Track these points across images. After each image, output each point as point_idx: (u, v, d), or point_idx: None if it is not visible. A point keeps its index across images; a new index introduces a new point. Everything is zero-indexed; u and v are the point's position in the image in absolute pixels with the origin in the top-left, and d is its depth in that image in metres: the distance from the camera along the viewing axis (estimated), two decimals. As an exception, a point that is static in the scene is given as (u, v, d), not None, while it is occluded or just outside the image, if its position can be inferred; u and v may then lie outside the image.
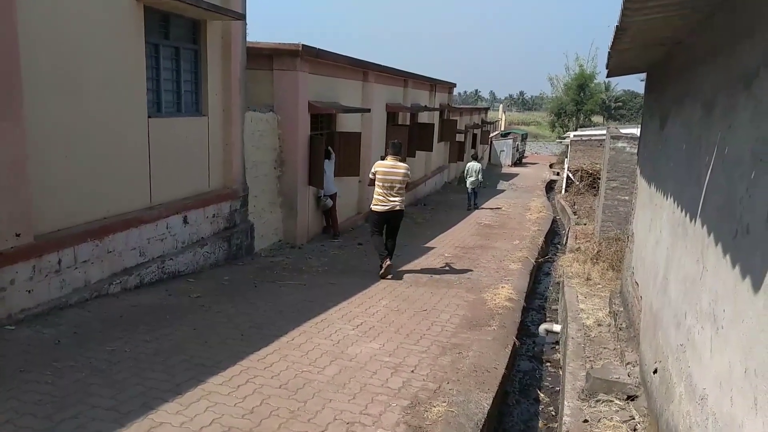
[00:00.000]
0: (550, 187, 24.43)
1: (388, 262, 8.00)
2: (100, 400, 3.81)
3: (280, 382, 4.35)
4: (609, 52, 4.70)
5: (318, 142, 10.28)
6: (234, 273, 7.83)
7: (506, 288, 7.66)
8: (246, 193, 8.91)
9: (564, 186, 20.67)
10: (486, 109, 35.53)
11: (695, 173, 3.50)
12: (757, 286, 2.19)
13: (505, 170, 30.64)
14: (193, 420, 3.68)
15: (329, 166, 10.82)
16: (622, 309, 6.36)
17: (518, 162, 34.81)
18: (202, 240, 7.84)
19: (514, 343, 5.90)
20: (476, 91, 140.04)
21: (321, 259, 9.26)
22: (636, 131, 11.29)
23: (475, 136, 28.63)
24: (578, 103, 42.62)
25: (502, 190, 21.89)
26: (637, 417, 4.25)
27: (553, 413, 5.34)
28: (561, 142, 32.88)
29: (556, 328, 7.27)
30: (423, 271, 8.58)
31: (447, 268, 8.92)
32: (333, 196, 11.12)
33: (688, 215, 3.60)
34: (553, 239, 14.04)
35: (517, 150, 34.99)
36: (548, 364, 6.63)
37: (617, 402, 4.51)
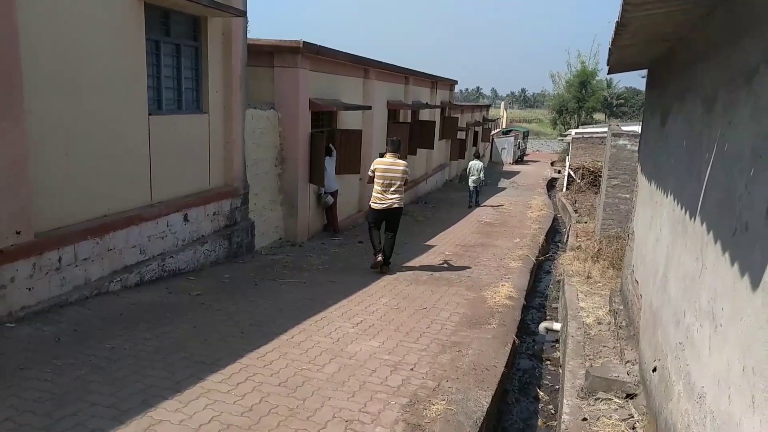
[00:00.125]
0: (551, 185, 24.40)
1: (380, 258, 8.11)
2: (100, 397, 3.82)
3: (279, 379, 4.36)
4: (610, 49, 4.68)
5: (319, 140, 10.27)
6: (234, 271, 7.84)
7: (506, 286, 7.65)
8: (247, 190, 8.91)
9: (565, 184, 20.65)
10: (487, 107, 35.49)
11: (695, 170, 3.49)
12: (755, 284, 2.19)
13: (506, 168, 30.61)
14: (192, 418, 3.68)
15: (330, 163, 10.82)
16: (622, 307, 6.35)
17: (519, 160, 34.77)
18: (202, 238, 7.84)
19: (514, 341, 5.90)
20: (478, 88, 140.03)
21: (321, 257, 9.26)
22: (637, 129, 11.25)
23: (476, 133, 28.60)
24: (580, 100, 42.48)
25: (504, 188, 21.87)
26: (636, 415, 4.25)
27: (553, 411, 5.34)
28: (562, 140, 32.83)
29: (556, 326, 7.27)
30: (423, 269, 8.58)
31: (447, 266, 8.91)
32: (334, 194, 11.12)
33: (688, 213, 3.58)
34: (553, 237, 14.02)
35: (519, 148, 34.95)
36: (548, 362, 6.62)
37: (616, 400, 4.51)
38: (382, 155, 8.26)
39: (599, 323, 6.38)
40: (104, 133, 6.03)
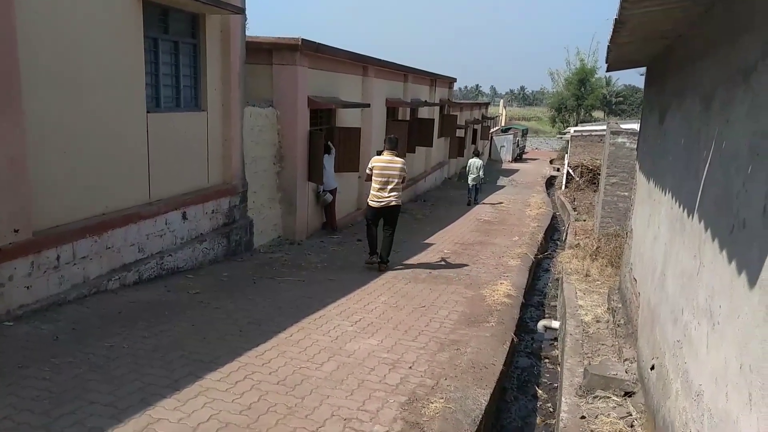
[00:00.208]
0: (550, 183, 24.40)
1: (375, 260, 8.26)
2: (99, 395, 3.82)
3: (278, 378, 4.36)
4: (608, 46, 4.67)
5: (317, 138, 10.26)
6: (233, 269, 7.83)
7: (505, 284, 7.65)
8: (245, 188, 8.90)
9: (564, 182, 20.65)
10: (486, 105, 35.46)
11: (693, 168, 3.49)
12: (752, 282, 2.19)
13: (505, 166, 30.60)
14: (190, 416, 3.68)
15: (329, 161, 10.81)
16: (620, 305, 6.36)
17: (518, 158, 34.74)
18: (201, 236, 7.83)
19: (513, 339, 5.90)
20: (477, 86, 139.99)
21: (320, 255, 9.26)
22: (636, 126, 11.25)
23: (475, 131, 28.57)
24: (579, 98, 42.48)
25: (502, 186, 21.86)
26: (634, 413, 4.25)
27: (551, 409, 5.35)
28: (561, 138, 32.83)
29: (555, 324, 7.27)
30: (422, 267, 8.58)
31: (446, 264, 8.92)
32: (333, 192, 11.11)
33: (686, 210, 3.58)
34: (552, 235, 14.03)
35: (518, 145, 34.92)
36: (546, 360, 6.63)
37: (615, 398, 4.51)
38: (379, 153, 8.26)
39: (598, 321, 6.39)
40: (103, 131, 6.02)
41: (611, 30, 3.84)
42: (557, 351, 6.68)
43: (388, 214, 8.15)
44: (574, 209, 15.50)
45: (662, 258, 4.29)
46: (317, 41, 9.92)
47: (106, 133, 6.07)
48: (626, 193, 10.38)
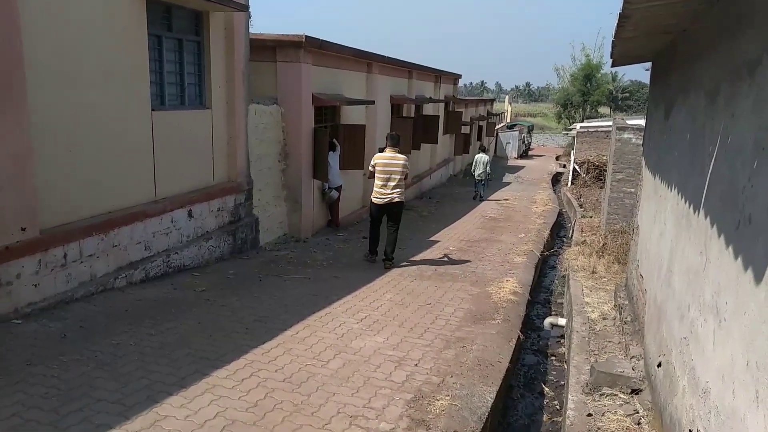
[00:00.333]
0: (556, 179, 24.32)
1: (374, 258, 8.44)
2: (106, 393, 3.84)
3: (284, 375, 4.37)
4: (613, 41, 4.65)
5: (322, 135, 10.27)
6: (239, 267, 7.86)
7: (511, 281, 7.64)
8: (250, 186, 8.92)
9: (570, 178, 20.57)
10: (492, 101, 35.41)
11: (699, 163, 3.47)
12: (759, 278, 2.17)
13: (511, 162, 30.54)
14: (197, 413, 3.70)
15: (334, 158, 10.81)
16: (627, 302, 6.33)
17: (524, 154, 34.66)
18: (206, 234, 7.86)
19: (519, 336, 5.89)
20: (482, 82, 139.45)
21: (326, 252, 9.27)
22: (642, 122, 11.19)
23: (480, 128, 28.51)
24: (585, 94, 42.20)
25: (508, 183, 21.81)
26: (641, 411, 4.24)
27: (558, 407, 5.34)
28: (567, 134, 32.70)
29: (561, 321, 7.25)
30: (427, 264, 8.58)
31: (451, 261, 8.90)
32: (338, 189, 11.12)
33: (691, 206, 3.56)
34: (558, 232, 13.99)
35: (523, 142, 34.84)
36: (553, 357, 6.62)
37: (621, 396, 4.50)
38: (381, 150, 8.27)
39: (604, 318, 6.37)
40: (108, 129, 6.04)
41: (616, 24, 3.82)
42: (564, 348, 6.67)
43: (391, 211, 8.16)
44: (581, 206, 15.44)
45: (668, 254, 4.27)
46: (321, 38, 9.91)
47: (111, 131, 6.10)
48: (633, 190, 10.32)
